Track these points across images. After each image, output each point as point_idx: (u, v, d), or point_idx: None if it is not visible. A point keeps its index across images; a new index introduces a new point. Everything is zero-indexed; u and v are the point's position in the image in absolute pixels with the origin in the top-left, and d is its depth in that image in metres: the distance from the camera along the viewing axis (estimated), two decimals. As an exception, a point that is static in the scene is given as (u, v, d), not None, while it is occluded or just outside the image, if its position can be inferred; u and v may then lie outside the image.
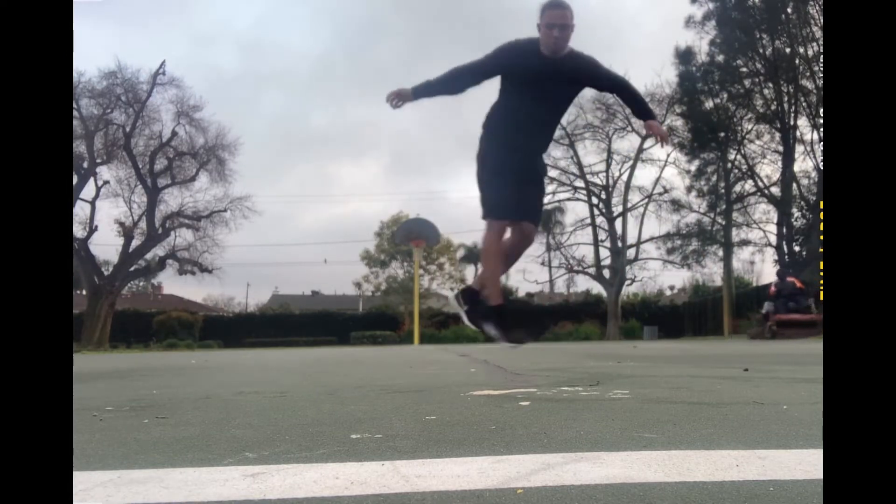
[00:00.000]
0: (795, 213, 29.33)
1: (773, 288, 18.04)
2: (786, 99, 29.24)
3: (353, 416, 2.19)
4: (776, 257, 29.61)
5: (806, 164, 29.41)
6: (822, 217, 1.04)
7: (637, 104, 3.83)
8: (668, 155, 33.74)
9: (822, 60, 22.40)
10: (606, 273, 34.19)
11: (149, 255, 30.43)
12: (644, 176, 62.43)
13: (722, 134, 30.43)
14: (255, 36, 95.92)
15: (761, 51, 29.59)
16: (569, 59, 3.44)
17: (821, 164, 24.75)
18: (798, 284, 17.59)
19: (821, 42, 25.16)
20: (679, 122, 32.39)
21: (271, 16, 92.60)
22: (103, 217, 37.11)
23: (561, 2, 3.32)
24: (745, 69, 30.26)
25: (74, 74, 24.45)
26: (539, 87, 3.42)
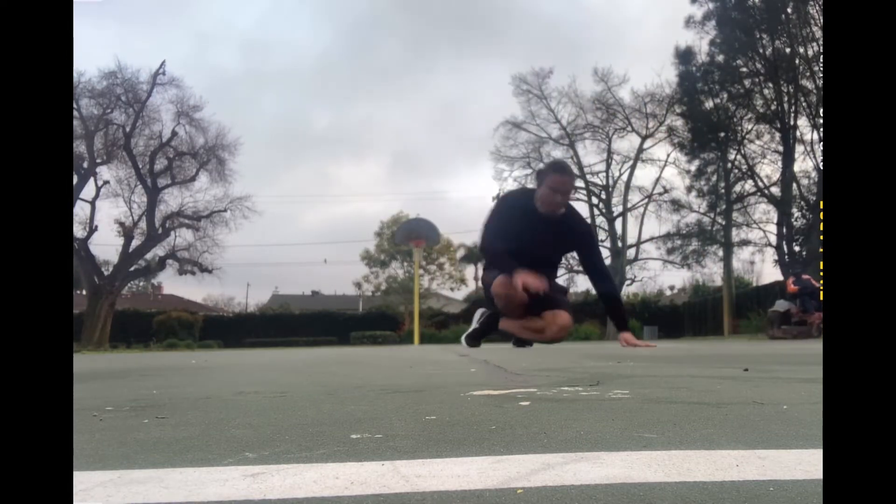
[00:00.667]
0: (795, 213, 29.34)
1: (792, 286, 16.98)
2: (786, 99, 29.25)
3: (353, 416, 2.19)
4: (776, 257, 29.60)
5: (806, 164, 29.46)
6: (822, 217, 1.04)
7: (613, 307, 3.64)
8: (668, 155, 33.79)
9: (822, 60, 22.39)
10: (606, 273, 34.15)
11: (149, 255, 30.52)
12: (644, 176, 62.45)
13: (722, 134, 30.43)
14: (256, 36, 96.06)
15: (761, 51, 29.59)
16: (564, 221, 3.43)
17: (821, 164, 24.74)
18: (814, 283, 17.12)
19: (821, 42, 25.15)
20: (679, 122, 32.44)
21: (272, 16, 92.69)
22: (103, 217, 37.28)
23: (568, 168, 3.40)
24: (745, 69, 30.27)
25: (74, 74, 24.46)
26: (530, 232, 3.39)
